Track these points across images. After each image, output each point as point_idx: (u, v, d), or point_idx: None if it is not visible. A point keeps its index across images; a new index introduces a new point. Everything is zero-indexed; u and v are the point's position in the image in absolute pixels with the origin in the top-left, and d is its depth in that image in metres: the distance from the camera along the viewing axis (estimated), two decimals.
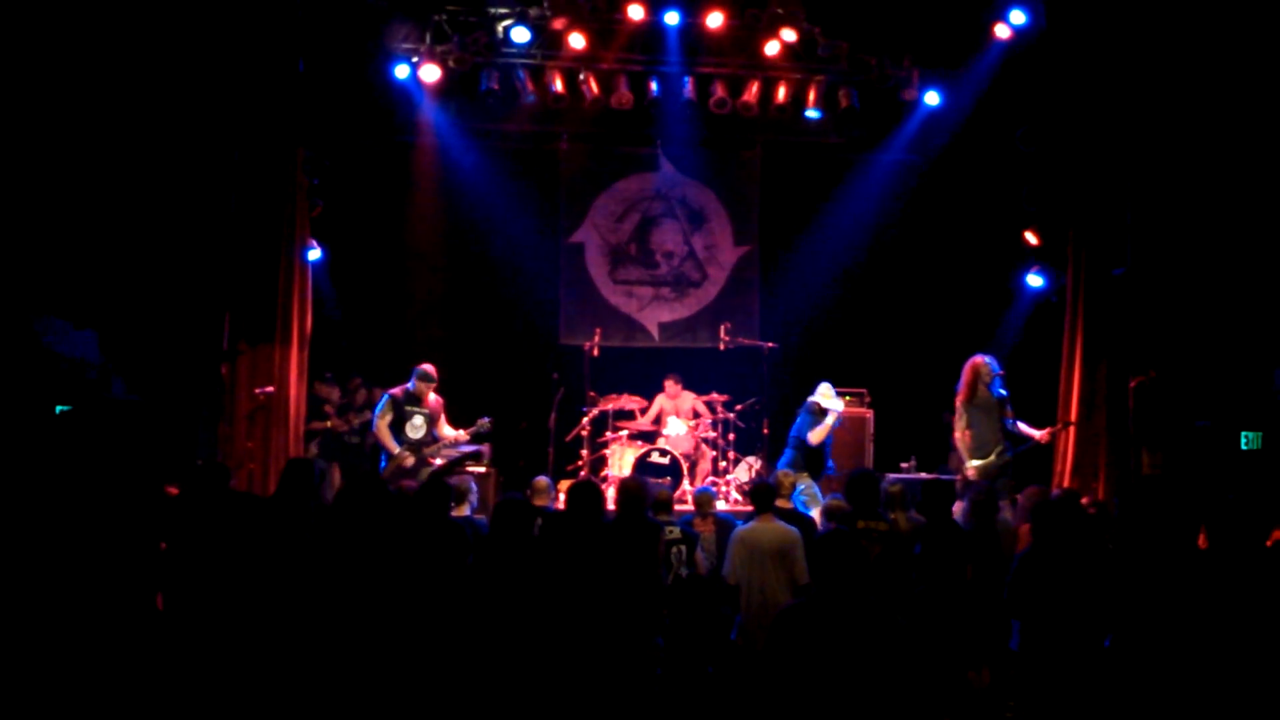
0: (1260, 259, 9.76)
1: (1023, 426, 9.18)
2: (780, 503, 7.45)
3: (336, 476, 10.22)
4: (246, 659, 4.60)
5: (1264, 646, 4.24)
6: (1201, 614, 4.27)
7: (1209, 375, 9.91)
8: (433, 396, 9.42)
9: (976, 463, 8.89)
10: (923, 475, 10.50)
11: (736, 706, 5.16)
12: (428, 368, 9.39)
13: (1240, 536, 4.46)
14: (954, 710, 5.03)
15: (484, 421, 9.53)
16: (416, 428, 9.22)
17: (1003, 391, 9.08)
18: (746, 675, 5.54)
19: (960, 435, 9.12)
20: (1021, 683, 5.19)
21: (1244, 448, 9.35)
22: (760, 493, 6.94)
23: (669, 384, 11.42)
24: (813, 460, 9.43)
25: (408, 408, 9.22)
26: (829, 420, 9.44)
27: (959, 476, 9.05)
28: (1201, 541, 4.66)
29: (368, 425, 10.11)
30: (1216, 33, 9.70)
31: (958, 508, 8.57)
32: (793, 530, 6.66)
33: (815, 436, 9.38)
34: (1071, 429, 10.20)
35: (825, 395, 9.61)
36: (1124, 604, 4.45)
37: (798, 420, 9.62)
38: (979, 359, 9.14)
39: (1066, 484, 9.96)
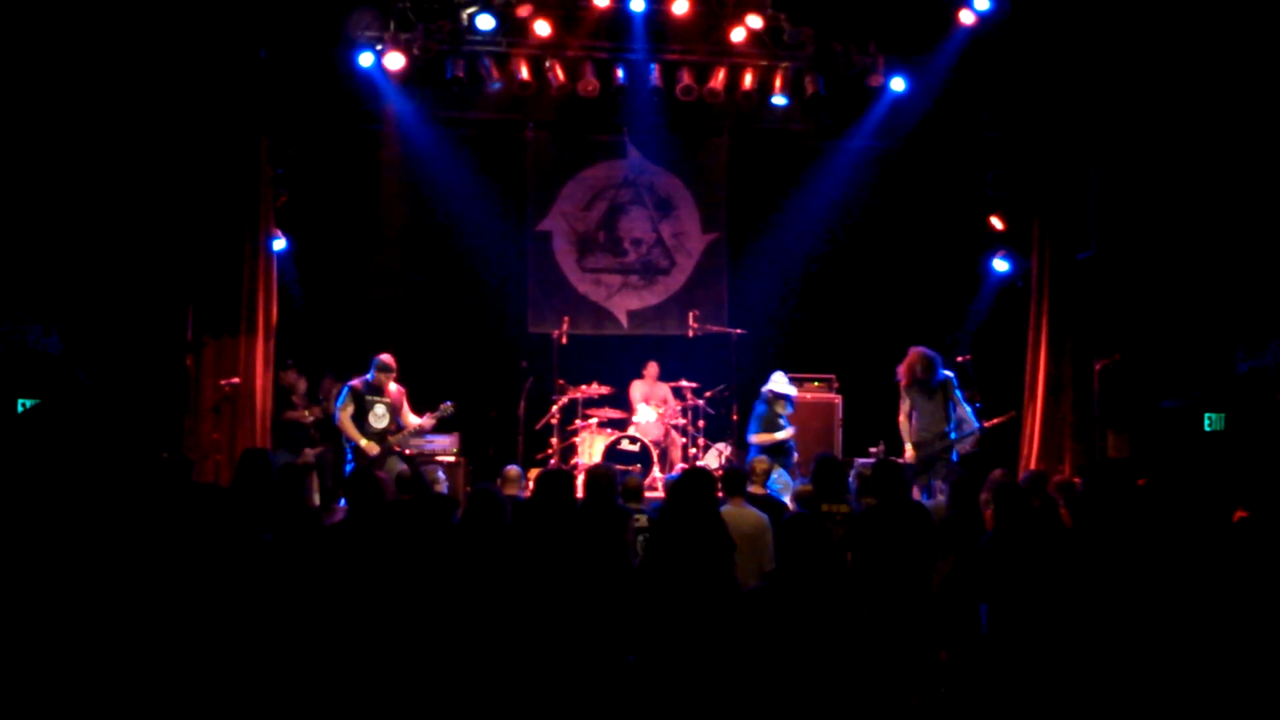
0: (1223, 242, 9.84)
1: (966, 413, 9.25)
2: (754, 489, 7.48)
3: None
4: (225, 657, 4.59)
5: (1231, 623, 4.29)
6: (1166, 592, 4.31)
7: (1173, 357, 10.00)
8: (393, 386, 9.35)
9: (917, 445, 9.10)
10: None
11: (705, 689, 5.16)
12: (386, 357, 9.32)
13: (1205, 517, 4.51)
14: (919, 690, 5.06)
15: (446, 406, 9.49)
16: (379, 417, 9.19)
17: (947, 373, 9.20)
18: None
19: (902, 419, 9.34)
20: (989, 664, 5.23)
21: (1207, 429, 9.43)
22: (730, 477, 6.94)
23: (651, 366, 11.50)
24: (777, 450, 9.61)
25: (369, 398, 9.18)
26: (779, 435, 9.76)
27: (901, 459, 9.19)
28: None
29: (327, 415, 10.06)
30: (1179, 17, 9.77)
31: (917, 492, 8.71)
32: (763, 517, 6.67)
33: (758, 439, 9.69)
34: (1038, 414, 10.30)
35: (779, 383, 9.75)
36: (1088, 585, 4.49)
37: (754, 411, 9.80)
38: (916, 351, 9.28)
39: (1033, 467, 10.03)
